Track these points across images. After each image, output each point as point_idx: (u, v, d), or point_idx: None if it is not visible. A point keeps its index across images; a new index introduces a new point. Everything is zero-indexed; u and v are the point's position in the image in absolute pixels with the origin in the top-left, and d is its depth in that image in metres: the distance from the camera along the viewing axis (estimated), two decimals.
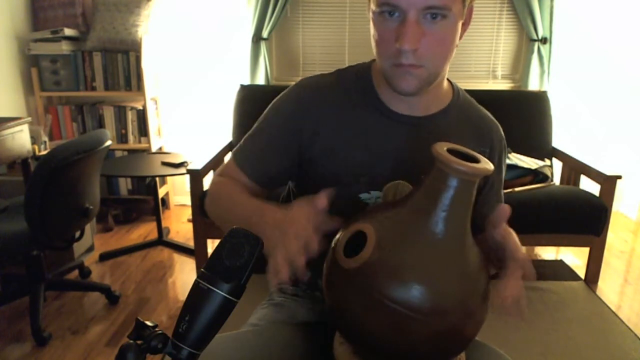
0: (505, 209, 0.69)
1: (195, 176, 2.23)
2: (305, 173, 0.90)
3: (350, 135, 0.86)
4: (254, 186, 0.89)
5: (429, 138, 0.80)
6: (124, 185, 3.13)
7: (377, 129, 0.86)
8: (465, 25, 0.79)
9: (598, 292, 2.29)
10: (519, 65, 3.17)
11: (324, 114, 0.87)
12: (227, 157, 2.73)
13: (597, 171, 2.29)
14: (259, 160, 0.89)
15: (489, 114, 0.95)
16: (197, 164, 2.28)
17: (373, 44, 0.79)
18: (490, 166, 0.63)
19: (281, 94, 0.91)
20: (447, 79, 0.91)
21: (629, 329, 1.98)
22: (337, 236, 0.70)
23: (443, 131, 0.87)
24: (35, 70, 2.89)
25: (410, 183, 0.83)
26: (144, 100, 2.95)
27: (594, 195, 2.26)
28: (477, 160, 0.65)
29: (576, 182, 2.51)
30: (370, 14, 0.78)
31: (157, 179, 2.75)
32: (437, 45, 0.74)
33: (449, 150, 0.64)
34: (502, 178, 0.97)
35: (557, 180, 2.70)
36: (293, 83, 0.91)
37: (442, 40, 0.75)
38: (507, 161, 2.37)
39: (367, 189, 0.86)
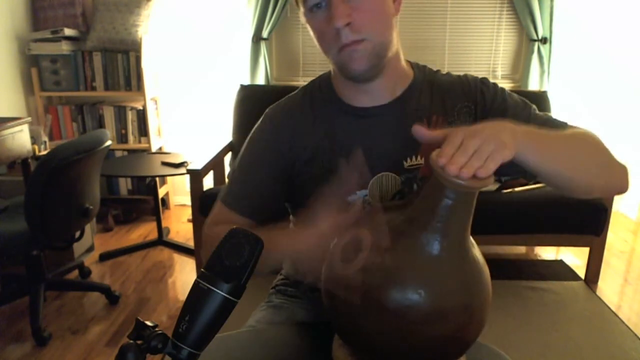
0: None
1: (195, 176, 2.22)
2: (294, 190, 0.90)
3: (325, 142, 0.86)
4: (251, 223, 0.87)
5: (402, 120, 0.82)
6: (124, 185, 3.13)
7: (346, 129, 0.86)
8: None
9: (598, 292, 2.29)
10: (519, 65, 3.17)
11: (298, 131, 0.87)
12: (226, 158, 2.75)
13: None
14: (250, 196, 0.88)
15: (458, 74, 0.92)
16: (197, 164, 2.28)
17: (317, 44, 0.81)
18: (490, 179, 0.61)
19: (253, 129, 0.92)
20: (408, 61, 0.90)
21: (629, 329, 1.98)
22: (334, 241, 0.70)
23: (413, 108, 0.86)
24: (35, 70, 2.89)
25: (396, 173, 0.82)
26: (144, 100, 2.95)
27: None
28: None
29: None
30: (304, 19, 0.80)
31: (157, 179, 2.75)
32: (370, 15, 0.76)
33: None
34: (515, 108, 0.90)
35: None
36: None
37: (373, 10, 0.76)
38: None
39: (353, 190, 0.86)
